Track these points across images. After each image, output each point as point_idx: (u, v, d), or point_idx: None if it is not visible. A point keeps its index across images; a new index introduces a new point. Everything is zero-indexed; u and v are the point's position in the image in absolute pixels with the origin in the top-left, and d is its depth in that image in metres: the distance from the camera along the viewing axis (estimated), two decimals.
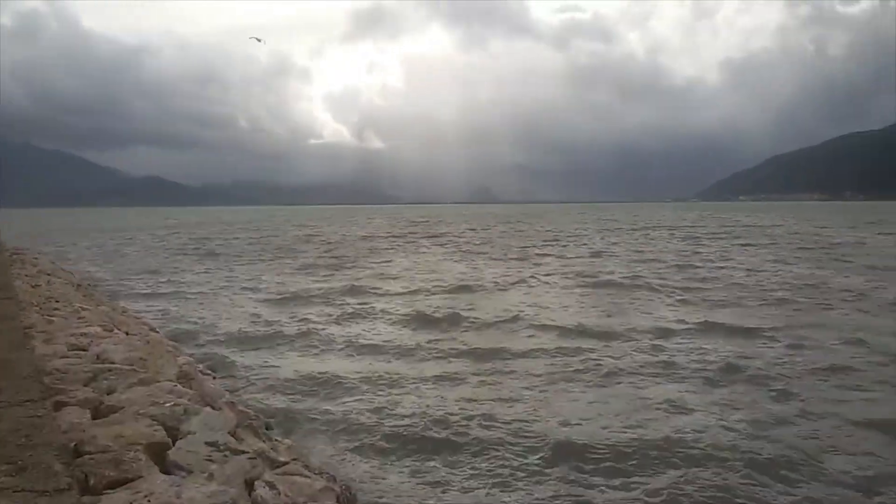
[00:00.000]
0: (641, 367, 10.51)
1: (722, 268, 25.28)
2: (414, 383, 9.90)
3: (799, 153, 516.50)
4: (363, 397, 9.27)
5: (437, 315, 15.36)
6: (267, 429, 6.93)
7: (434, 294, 18.99)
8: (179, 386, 6.20)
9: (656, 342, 12.24)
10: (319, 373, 10.51)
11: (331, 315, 15.71)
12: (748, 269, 24.40)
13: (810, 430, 7.73)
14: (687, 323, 14.02)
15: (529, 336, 13.13)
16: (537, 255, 32.82)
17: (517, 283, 21.36)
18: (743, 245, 38.19)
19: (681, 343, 12.24)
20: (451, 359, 11.39)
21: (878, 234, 47.65)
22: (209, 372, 9.78)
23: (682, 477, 6.47)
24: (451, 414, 8.40)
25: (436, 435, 7.72)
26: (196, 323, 14.97)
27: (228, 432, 5.08)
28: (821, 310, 15.71)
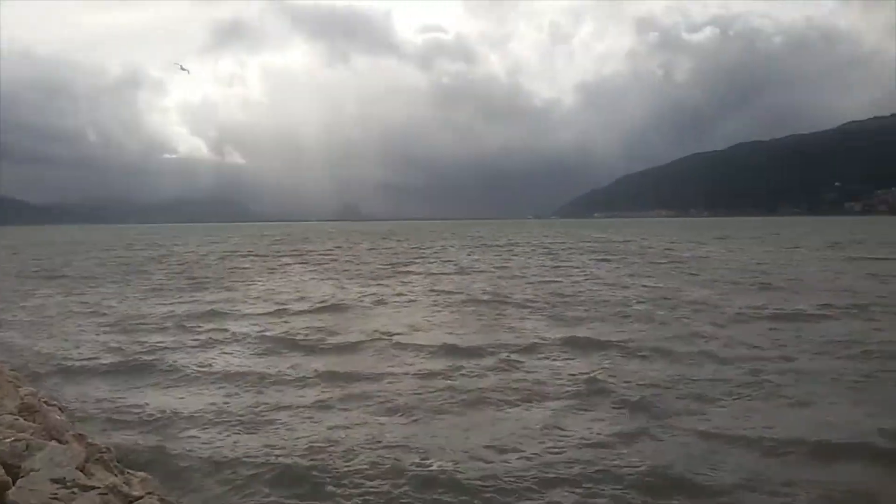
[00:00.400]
0: (509, 386, 10.53)
1: (582, 282, 26.28)
2: (276, 412, 9.45)
3: (648, 172, 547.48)
4: (221, 429, 8.75)
5: (301, 338, 14.88)
6: (119, 461, 6.54)
7: (298, 315, 18.41)
8: (22, 419, 5.71)
9: (523, 360, 12.33)
10: (174, 404, 9.88)
11: (186, 341, 14.83)
12: (607, 284, 25.44)
13: (675, 444, 7.95)
14: (552, 339, 14.24)
15: (397, 357, 12.91)
16: (404, 272, 32.83)
17: (384, 301, 21.17)
18: (600, 260, 40.01)
19: (547, 360, 12.41)
20: (316, 384, 10.95)
21: (723, 249, 51.32)
22: (55, 403, 9.09)
23: (551, 502, 6.51)
24: (315, 443, 8.07)
25: (298, 465, 7.38)
26: (39, 352, 13.70)
27: (77, 467, 4.72)
28: (674, 321, 16.52)
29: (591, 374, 11.15)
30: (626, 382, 10.67)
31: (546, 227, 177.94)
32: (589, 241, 68.60)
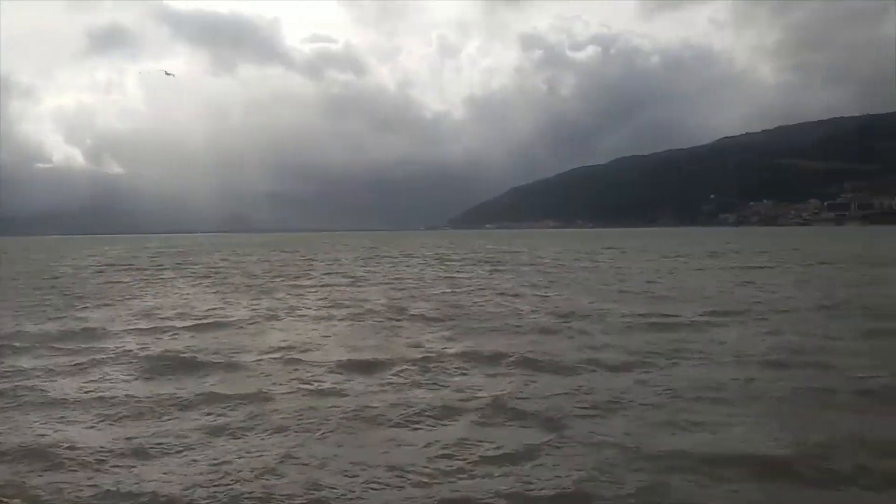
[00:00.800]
0: (409, 402, 10.21)
1: (478, 292, 26.35)
2: (159, 439, 8.75)
3: (536, 185, 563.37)
4: (99, 459, 8.03)
5: (187, 357, 14.01)
6: None
7: (184, 332, 17.38)
8: None
9: (423, 375, 12.06)
10: (47, 432, 9.04)
11: (60, 363, 13.66)
12: (502, 294, 25.62)
13: (575, 458, 7.83)
14: (451, 352, 14.05)
15: (291, 375, 12.28)
16: (296, 285, 31.99)
17: (276, 316, 20.40)
18: (494, 270, 40.37)
19: (446, 374, 12.17)
20: (204, 407, 10.25)
21: (610, 259, 53.07)
22: None
23: None
24: (203, 472, 7.51)
25: (183, 498, 6.86)
26: None
27: None
28: (568, 330, 16.73)
29: (491, 389, 11.05)
30: (525, 396, 10.61)
31: (439, 237, 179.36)
32: (482, 252, 69.40)
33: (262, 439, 8.72)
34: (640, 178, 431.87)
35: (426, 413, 9.71)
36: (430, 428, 9.13)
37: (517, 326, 17.57)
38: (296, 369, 12.78)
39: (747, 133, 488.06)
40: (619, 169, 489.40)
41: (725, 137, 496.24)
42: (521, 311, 20.57)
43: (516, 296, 25.09)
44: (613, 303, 22.20)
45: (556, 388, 11.06)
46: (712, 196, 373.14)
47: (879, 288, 26.36)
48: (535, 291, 26.76)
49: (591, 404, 10.02)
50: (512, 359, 13.27)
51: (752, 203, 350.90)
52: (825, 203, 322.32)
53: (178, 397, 10.81)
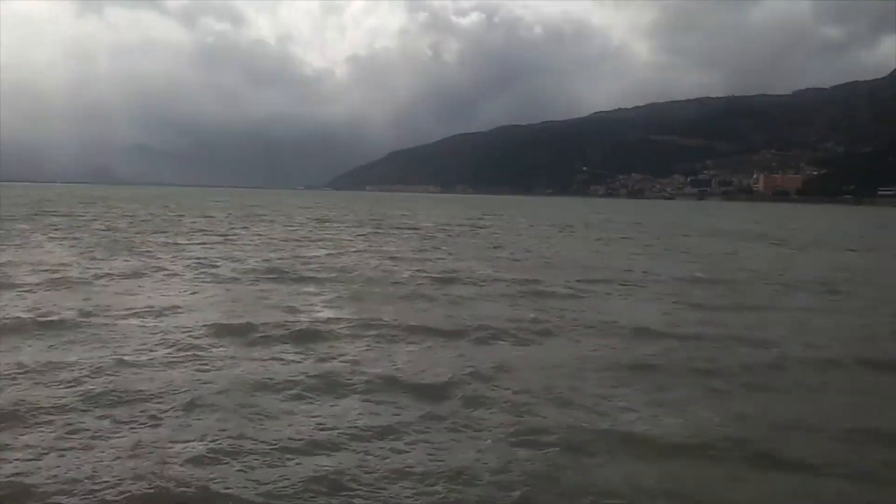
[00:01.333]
0: (284, 374, 9.50)
1: (359, 254, 25.92)
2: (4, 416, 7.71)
3: (418, 149, 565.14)
4: None
5: (37, 318, 12.50)
6: None
7: (36, 290, 15.76)
8: None
9: (301, 344, 11.27)
10: None
11: None
12: (387, 258, 25.23)
13: (464, 440, 7.49)
14: (330, 318, 13.44)
15: (156, 340, 11.25)
16: (164, 242, 30.07)
17: (141, 274, 18.95)
18: (377, 233, 40.02)
19: (325, 342, 11.52)
20: (56, 376, 9.10)
21: (492, 224, 54.00)
22: None
23: None
24: (56, 466, 6.65)
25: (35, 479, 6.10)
26: None
27: None
28: (455, 297, 16.50)
29: (371, 356, 10.71)
30: (407, 365, 10.24)
31: (319, 197, 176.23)
32: (364, 214, 68.62)
33: (124, 410, 7.88)
34: (518, 148, 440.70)
35: (303, 383, 9.11)
36: (309, 400, 8.57)
37: (399, 291, 17.25)
38: (163, 333, 11.78)
39: (620, 108, 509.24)
40: (498, 137, 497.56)
41: (599, 111, 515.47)
42: (403, 276, 20.20)
43: (398, 259, 24.75)
44: (494, 269, 22.28)
45: (439, 357, 10.83)
46: (584, 168, 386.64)
47: (745, 262, 27.92)
48: (417, 255, 26.55)
49: (473, 374, 9.74)
50: (394, 325, 12.88)
51: (621, 176, 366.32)
52: (689, 178, 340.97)
53: (26, 365, 9.60)
